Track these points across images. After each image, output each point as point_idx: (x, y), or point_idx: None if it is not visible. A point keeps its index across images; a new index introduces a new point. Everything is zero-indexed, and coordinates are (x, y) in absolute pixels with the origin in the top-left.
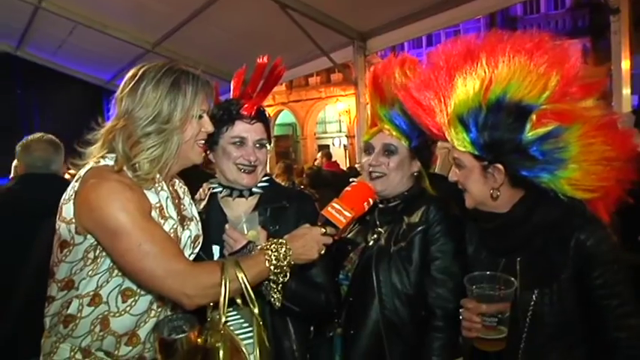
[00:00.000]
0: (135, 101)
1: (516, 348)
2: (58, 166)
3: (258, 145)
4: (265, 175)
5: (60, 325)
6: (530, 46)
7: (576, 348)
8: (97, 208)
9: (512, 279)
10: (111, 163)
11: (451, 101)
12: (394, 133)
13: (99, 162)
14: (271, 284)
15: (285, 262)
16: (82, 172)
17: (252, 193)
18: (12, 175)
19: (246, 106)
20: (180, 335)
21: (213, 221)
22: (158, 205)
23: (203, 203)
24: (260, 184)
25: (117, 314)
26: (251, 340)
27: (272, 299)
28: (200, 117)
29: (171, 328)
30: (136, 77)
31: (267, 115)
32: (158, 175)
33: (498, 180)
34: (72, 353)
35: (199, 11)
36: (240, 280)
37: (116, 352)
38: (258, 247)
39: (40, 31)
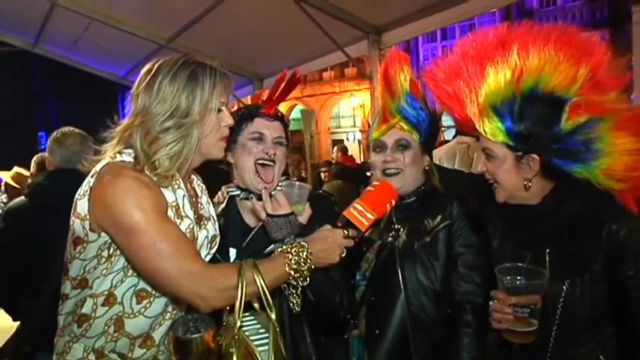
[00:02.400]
0: (152, 97)
1: (546, 341)
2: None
3: (276, 143)
4: (284, 174)
5: (74, 325)
6: (558, 38)
7: (606, 340)
8: (112, 204)
9: (544, 270)
10: (128, 158)
11: (482, 91)
12: (406, 127)
13: (115, 157)
14: (290, 289)
15: (306, 267)
16: (97, 167)
17: (270, 195)
18: (32, 169)
19: (266, 105)
20: (196, 335)
21: (231, 224)
22: (174, 203)
23: (221, 206)
24: (281, 184)
25: (131, 315)
26: (266, 347)
27: (291, 304)
28: (219, 110)
29: (186, 327)
30: (152, 72)
31: (286, 119)
32: (176, 173)
33: (533, 170)
34: (85, 354)
35: (213, 6)
36: (258, 284)
37: (130, 355)
38: (297, 222)
39: (57, 27)
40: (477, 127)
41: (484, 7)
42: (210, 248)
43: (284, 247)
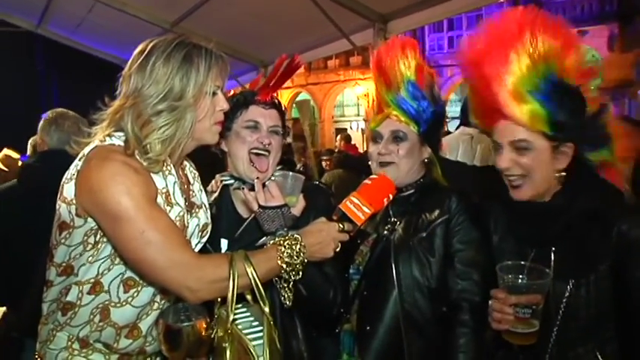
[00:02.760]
0: (144, 78)
1: (546, 342)
2: None
3: (272, 132)
4: (288, 163)
5: (58, 313)
6: (552, 25)
7: (608, 344)
8: (99, 190)
9: (547, 270)
10: (118, 142)
11: (514, 77)
12: (402, 119)
13: (104, 140)
14: (282, 282)
15: (299, 260)
16: (85, 150)
17: (264, 185)
18: (29, 151)
19: (262, 92)
20: (187, 324)
21: (224, 214)
22: (165, 190)
23: (214, 195)
24: (276, 174)
25: (118, 304)
26: (260, 341)
27: (282, 298)
28: (214, 94)
29: (177, 316)
30: (145, 52)
31: (283, 107)
32: (168, 158)
33: (567, 159)
34: (69, 343)
35: None
36: (250, 276)
37: (115, 345)
38: (290, 214)
39: (60, 8)
40: (513, 116)
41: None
42: (201, 237)
43: (276, 239)
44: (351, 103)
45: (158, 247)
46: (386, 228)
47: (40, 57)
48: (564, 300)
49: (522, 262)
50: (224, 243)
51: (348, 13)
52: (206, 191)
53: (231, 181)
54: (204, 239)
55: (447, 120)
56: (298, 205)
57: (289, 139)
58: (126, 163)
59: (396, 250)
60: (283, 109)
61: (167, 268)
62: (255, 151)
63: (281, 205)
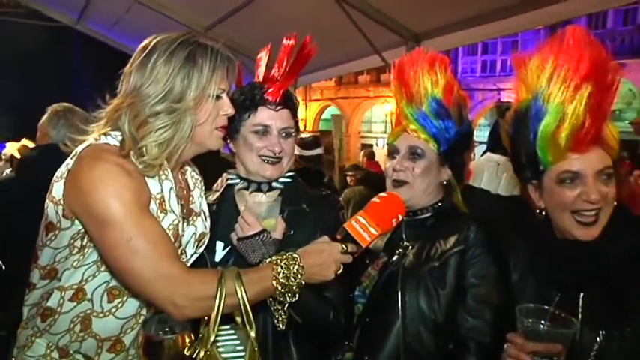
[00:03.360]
0: (144, 76)
1: None
2: None
3: (283, 135)
4: (289, 171)
5: (38, 318)
6: None
7: None
8: (88, 191)
9: (574, 319)
10: (113, 142)
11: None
12: (422, 136)
13: (99, 139)
14: (276, 304)
15: (296, 282)
16: (79, 148)
17: (271, 189)
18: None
19: (270, 90)
20: (169, 336)
21: (224, 215)
22: (159, 196)
23: (217, 194)
24: (282, 180)
25: (100, 314)
26: None
27: (275, 321)
28: (218, 97)
29: (160, 327)
30: (147, 49)
31: (295, 99)
32: (165, 162)
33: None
34: (48, 351)
35: None
36: (239, 296)
37: (96, 358)
38: (271, 239)
39: (99, 6)
40: (606, 136)
41: (529, 24)
42: (198, 247)
43: (273, 257)
44: (379, 120)
45: (145, 257)
46: (397, 252)
47: (76, 52)
48: (592, 353)
49: (546, 307)
50: (219, 246)
51: (382, 29)
52: (206, 197)
53: (237, 181)
54: (201, 249)
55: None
56: (279, 228)
57: (320, 150)
58: (119, 164)
59: (403, 278)
60: (295, 102)
61: (153, 280)
62: (265, 159)
63: (258, 232)
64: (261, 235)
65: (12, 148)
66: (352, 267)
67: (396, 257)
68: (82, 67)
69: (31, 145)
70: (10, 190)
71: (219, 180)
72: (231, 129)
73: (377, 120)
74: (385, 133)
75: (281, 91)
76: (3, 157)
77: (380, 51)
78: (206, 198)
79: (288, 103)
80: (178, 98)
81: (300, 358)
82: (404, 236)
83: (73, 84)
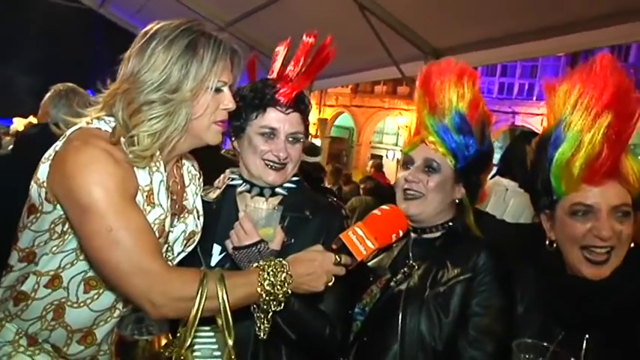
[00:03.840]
0: (142, 62)
1: None
2: None
3: (291, 139)
4: (295, 176)
5: (10, 302)
6: None
7: None
8: (72, 175)
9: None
10: (105, 127)
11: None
12: (440, 149)
13: (91, 123)
14: (259, 311)
15: (282, 291)
16: (69, 131)
17: (274, 194)
18: None
19: (283, 90)
20: (144, 337)
21: (223, 217)
22: (148, 188)
23: (217, 192)
24: (286, 185)
25: (75, 304)
26: None
27: (257, 329)
28: (218, 90)
29: (135, 327)
30: (148, 35)
31: (308, 102)
32: (157, 153)
33: None
34: (16, 337)
35: None
36: (220, 300)
37: (65, 349)
38: (269, 250)
39: None
40: (624, 170)
41: (551, 50)
42: (186, 245)
43: (261, 262)
44: (391, 131)
45: (125, 249)
46: (402, 271)
47: (98, 36)
48: None
49: (545, 344)
50: (216, 249)
51: (402, 40)
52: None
53: (239, 182)
54: (190, 248)
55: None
56: (277, 238)
57: (319, 159)
58: (107, 151)
59: (406, 300)
60: (307, 105)
61: (131, 275)
62: (269, 164)
63: (255, 242)
64: (259, 246)
65: (19, 124)
66: (353, 282)
67: (400, 276)
68: (102, 50)
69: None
70: (4, 167)
71: (221, 177)
72: (237, 127)
73: (389, 132)
74: (396, 145)
75: (294, 93)
76: (10, 133)
77: (398, 63)
78: (206, 194)
79: (299, 106)
80: (174, 88)
81: None
82: (410, 255)
83: (91, 66)
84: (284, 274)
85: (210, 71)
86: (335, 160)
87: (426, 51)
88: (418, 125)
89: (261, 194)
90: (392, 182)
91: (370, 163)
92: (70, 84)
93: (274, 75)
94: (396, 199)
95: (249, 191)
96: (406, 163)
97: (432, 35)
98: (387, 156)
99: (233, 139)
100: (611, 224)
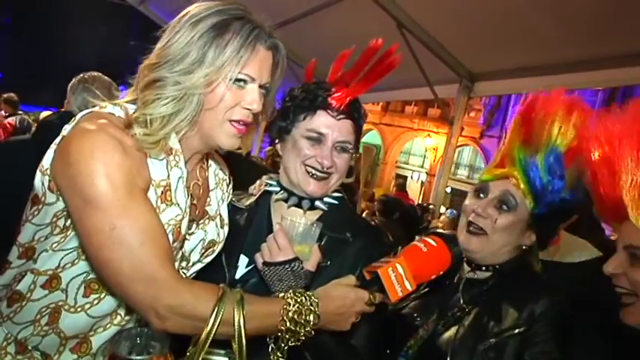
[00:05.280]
0: (169, 36)
1: None
2: None
3: (338, 148)
4: (336, 191)
5: (4, 302)
6: None
7: None
8: (75, 163)
9: None
10: (119, 112)
11: None
12: (522, 186)
13: (105, 107)
14: (275, 344)
15: (304, 330)
16: (79, 115)
17: (313, 207)
18: None
19: (337, 94)
20: (141, 357)
21: (254, 226)
22: (164, 183)
23: (252, 199)
24: (327, 200)
25: (72, 309)
26: None
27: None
28: (240, 84)
29: (132, 344)
30: (186, 11)
31: (363, 111)
32: (177, 146)
33: None
34: (4, 343)
35: (316, 10)
36: (236, 327)
37: (55, 357)
38: (303, 270)
39: None
40: (631, 215)
41: (588, 83)
42: (204, 256)
43: (289, 294)
44: (418, 153)
45: (129, 251)
46: (451, 314)
47: (135, 32)
48: None
49: None
50: (243, 261)
51: (438, 62)
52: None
53: (277, 189)
54: (208, 259)
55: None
56: (313, 258)
57: (351, 179)
58: (115, 137)
59: (454, 351)
60: (362, 114)
61: (134, 281)
62: (311, 171)
63: (289, 259)
64: (292, 265)
65: (45, 115)
66: (399, 325)
67: (449, 319)
68: (137, 46)
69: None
70: (22, 151)
71: (257, 183)
72: (282, 128)
73: (416, 153)
74: (422, 167)
75: (348, 98)
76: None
77: (432, 84)
78: (238, 200)
79: (352, 113)
80: (187, 70)
81: None
82: (461, 296)
83: (126, 62)
84: (311, 315)
85: (232, 59)
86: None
87: (462, 74)
88: (504, 156)
89: (298, 205)
90: (415, 203)
91: (394, 182)
92: (95, 72)
93: (332, 78)
94: (458, 228)
95: (286, 200)
96: (479, 191)
97: (469, 59)
98: (411, 177)
99: (277, 141)
100: (620, 262)
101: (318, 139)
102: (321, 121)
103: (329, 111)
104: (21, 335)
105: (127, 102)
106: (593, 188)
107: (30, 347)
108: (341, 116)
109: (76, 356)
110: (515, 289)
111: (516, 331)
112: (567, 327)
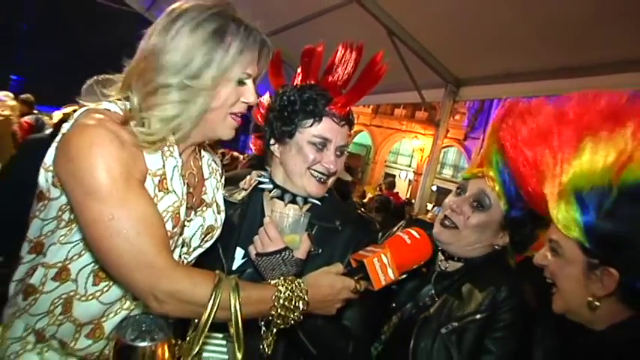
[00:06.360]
0: (164, 42)
1: None
2: None
3: (338, 153)
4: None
5: (20, 295)
6: None
7: None
8: (74, 157)
9: None
10: (114, 108)
11: (570, 169)
12: (497, 188)
13: (100, 104)
14: (266, 327)
15: (293, 315)
16: (77, 112)
17: (306, 202)
18: None
19: (338, 103)
20: (146, 343)
21: (248, 220)
22: (160, 172)
23: (243, 193)
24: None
25: (83, 297)
26: None
27: (261, 346)
28: (241, 83)
29: (138, 330)
30: (175, 13)
31: (353, 117)
32: (171, 138)
33: (605, 288)
34: (25, 334)
35: (310, 18)
36: (232, 312)
37: (72, 344)
38: (294, 258)
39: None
40: (550, 210)
41: (565, 89)
42: (204, 241)
43: (280, 280)
44: (406, 153)
45: (127, 240)
46: (422, 303)
47: (138, 38)
48: None
49: None
50: (239, 253)
51: (426, 68)
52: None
53: (270, 186)
54: (208, 244)
55: None
56: (303, 246)
57: (349, 177)
58: (112, 131)
59: (419, 331)
60: (353, 119)
61: (133, 269)
62: (316, 175)
63: (280, 249)
64: (283, 254)
65: (56, 116)
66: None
67: (420, 306)
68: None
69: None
70: (37, 147)
71: (247, 178)
72: (282, 131)
73: (404, 153)
74: (409, 166)
75: (349, 105)
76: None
77: (420, 88)
78: (231, 195)
79: (349, 119)
80: (194, 75)
81: None
82: (432, 286)
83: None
84: (300, 301)
85: (234, 61)
86: (351, 174)
87: (448, 79)
88: (483, 157)
89: (293, 202)
90: (401, 199)
91: (382, 180)
92: (109, 75)
93: (314, 79)
94: (436, 219)
95: (280, 197)
96: (459, 189)
97: (455, 65)
98: (399, 176)
99: (273, 142)
100: (545, 254)
101: (323, 144)
102: (326, 127)
103: (334, 118)
104: (38, 325)
105: (117, 99)
106: (521, 184)
107: (47, 336)
108: (343, 122)
109: (91, 341)
110: (482, 277)
111: (478, 316)
112: (527, 315)
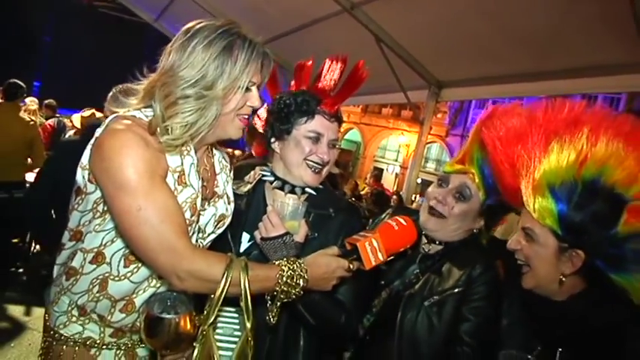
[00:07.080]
0: (182, 58)
1: None
2: None
3: (331, 145)
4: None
5: (63, 276)
6: (631, 132)
7: None
8: (107, 157)
9: None
10: (140, 115)
11: (541, 166)
12: (477, 180)
13: (128, 112)
14: (271, 301)
15: (295, 291)
16: (108, 119)
17: (304, 192)
18: None
19: (327, 102)
20: (171, 316)
21: (253, 208)
22: (179, 169)
23: (248, 186)
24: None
25: (116, 278)
26: (229, 353)
27: (267, 317)
28: (248, 89)
29: (163, 305)
30: (190, 33)
31: (342, 116)
32: (189, 141)
33: (574, 266)
34: (69, 308)
35: (305, 26)
36: (242, 288)
37: (109, 317)
38: (294, 241)
39: (176, 10)
40: (526, 202)
41: (533, 92)
42: (217, 227)
43: (283, 261)
44: (393, 148)
45: (153, 228)
46: (408, 280)
47: (148, 47)
48: None
49: (529, 356)
50: (245, 237)
51: (410, 71)
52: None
53: (271, 179)
54: (220, 230)
55: None
56: (301, 231)
57: (336, 170)
58: (139, 135)
59: (405, 305)
60: (342, 118)
61: (158, 252)
62: (312, 165)
63: (281, 234)
64: (284, 238)
65: (76, 120)
66: (372, 276)
67: (406, 283)
68: (151, 61)
69: (98, 114)
70: (69, 149)
71: (252, 173)
72: (283, 130)
73: (391, 148)
74: (396, 161)
75: (336, 106)
76: (70, 124)
77: (405, 90)
78: (238, 188)
79: (339, 117)
80: (209, 85)
81: (307, 353)
82: (417, 265)
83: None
84: (301, 279)
85: (242, 72)
86: (341, 169)
87: (431, 82)
88: (465, 154)
89: (292, 192)
90: (390, 191)
91: (369, 174)
92: (130, 84)
93: (306, 87)
94: (421, 209)
95: (281, 188)
96: (441, 181)
97: (437, 69)
98: (387, 169)
99: (273, 140)
100: (518, 239)
101: (317, 138)
102: (319, 123)
103: (325, 115)
104: (80, 302)
105: (142, 108)
106: (499, 179)
107: (88, 310)
108: (332, 119)
109: (124, 315)
110: (460, 257)
111: (456, 290)
112: (498, 288)
